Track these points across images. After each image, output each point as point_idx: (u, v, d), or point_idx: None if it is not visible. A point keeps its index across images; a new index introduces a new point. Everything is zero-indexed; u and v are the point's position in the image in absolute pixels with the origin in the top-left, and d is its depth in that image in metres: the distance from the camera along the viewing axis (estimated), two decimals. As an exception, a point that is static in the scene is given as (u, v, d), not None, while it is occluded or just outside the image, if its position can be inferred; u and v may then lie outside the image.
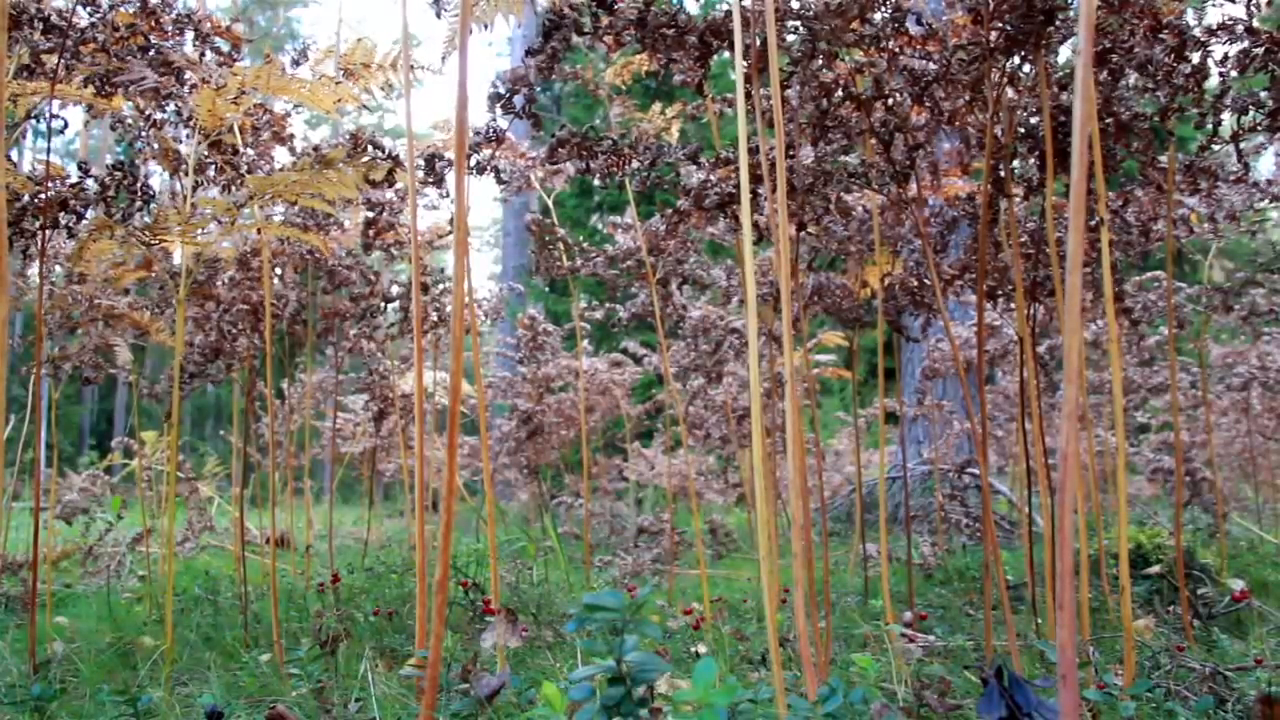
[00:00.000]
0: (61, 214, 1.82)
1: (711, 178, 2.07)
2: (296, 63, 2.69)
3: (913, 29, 2.06)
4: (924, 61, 1.97)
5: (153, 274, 3.04)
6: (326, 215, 2.78)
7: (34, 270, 2.90)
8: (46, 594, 4.00)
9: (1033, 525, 3.20)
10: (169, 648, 2.21)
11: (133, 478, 6.06)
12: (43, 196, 1.82)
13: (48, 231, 2.18)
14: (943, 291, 2.64)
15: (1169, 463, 4.71)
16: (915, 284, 2.87)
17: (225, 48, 2.52)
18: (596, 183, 2.54)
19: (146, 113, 2.10)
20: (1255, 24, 1.85)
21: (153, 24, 2.19)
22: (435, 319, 3.97)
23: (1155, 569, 2.90)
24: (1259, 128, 1.92)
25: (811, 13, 1.73)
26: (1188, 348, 7.11)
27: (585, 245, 3.42)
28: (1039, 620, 2.17)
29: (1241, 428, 5.83)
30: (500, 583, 2.60)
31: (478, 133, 2.11)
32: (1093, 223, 2.83)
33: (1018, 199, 2.39)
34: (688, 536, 5.47)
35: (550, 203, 3.66)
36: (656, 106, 2.90)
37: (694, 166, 2.40)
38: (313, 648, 1.56)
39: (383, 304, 3.90)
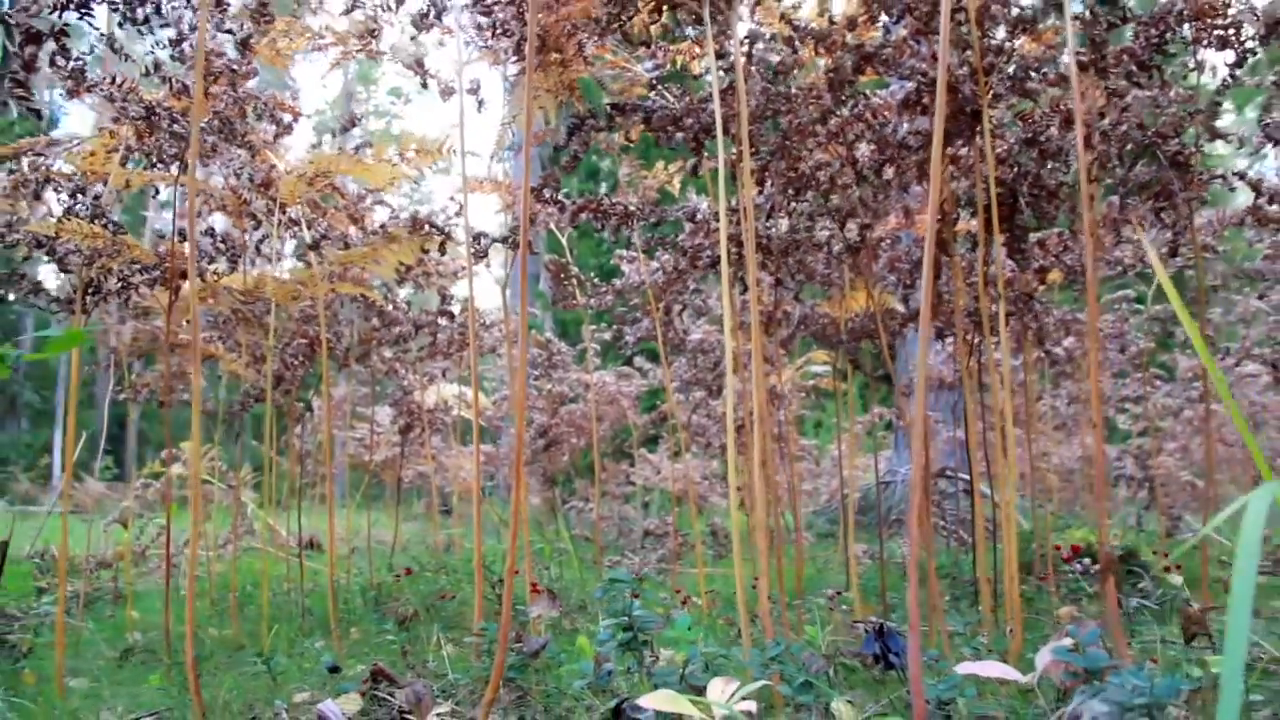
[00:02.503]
0: (182, 280, 2.26)
1: (705, 241, 2.51)
2: (346, 129, 3.14)
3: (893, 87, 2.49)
4: (875, 149, 2.41)
5: (210, 303, 3.49)
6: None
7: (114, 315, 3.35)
8: (113, 592, 4.45)
9: (994, 527, 3.62)
10: (234, 634, 2.64)
11: (179, 484, 6.50)
12: (168, 265, 2.27)
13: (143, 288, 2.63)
14: (902, 325, 3.07)
15: (1130, 468, 5.12)
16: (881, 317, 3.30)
17: (286, 119, 2.97)
18: (608, 235, 2.98)
19: (236, 190, 2.54)
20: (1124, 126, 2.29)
21: (239, 111, 2.63)
22: (460, 342, 4.43)
23: (1091, 564, 3.32)
24: (1139, 201, 2.35)
25: (781, 128, 2.17)
26: (1160, 359, 7.52)
27: (595, 280, 3.86)
28: (979, 607, 2.59)
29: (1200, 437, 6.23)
30: (524, 577, 3.03)
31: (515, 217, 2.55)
32: (1037, 265, 3.27)
33: (964, 253, 2.82)
34: (691, 539, 5.89)
35: (564, 241, 4.09)
36: (660, 165, 3.33)
37: (691, 224, 2.85)
38: (398, 623, 1.99)
39: (414, 330, 4.35)
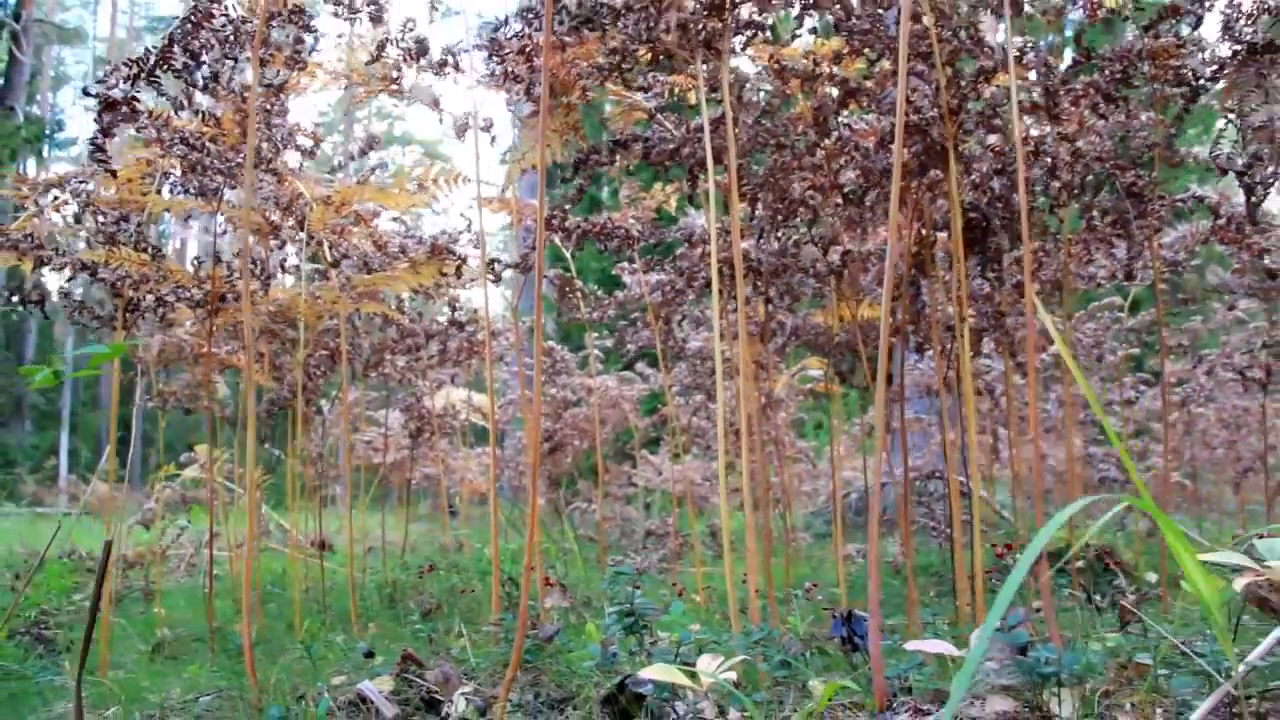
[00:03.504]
0: (221, 301, 2.47)
1: (700, 263, 2.71)
2: (364, 152, 3.34)
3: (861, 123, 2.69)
4: (859, 175, 2.62)
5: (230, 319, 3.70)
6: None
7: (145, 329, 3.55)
8: (144, 590, 4.66)
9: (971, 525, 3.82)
10: (260, 628, 2.84)
11: (190, 486, 6.71)
12: (206, 288, 2.48)
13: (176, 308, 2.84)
14: (892, 334, 3.27)
15: (1115, 473, 5.32)
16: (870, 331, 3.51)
17: (308, 145, 3.18)
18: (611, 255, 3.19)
19: (266, 213, 2.74)
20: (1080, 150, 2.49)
21: (272, 146, 2.84)
22: (469, 350, 4.65)
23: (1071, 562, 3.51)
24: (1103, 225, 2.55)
25: (768, 163, 2.37)
26: (1148, 364, 7.72)
27: (598, 293, 4.06)
28: (957, 601, 2.79)
29: (1188, 440, 6.43)
30: (531, 575, 3.23)
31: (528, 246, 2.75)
32: (1014, 281, 3.47)
33: (943, 274, 3.02)
34: (691, 539, 6.09)
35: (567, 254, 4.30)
36: (658, 185, 3.54)
37: (687, 244, 3.05)
38: (422, 615, 2.19)
39: (425, 340, 4.56)
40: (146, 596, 4.27)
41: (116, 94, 1.69)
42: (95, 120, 1.66)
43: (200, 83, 1.78)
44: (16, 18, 26.15)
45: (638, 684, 1.40)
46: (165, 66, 1.70)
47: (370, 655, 1.89)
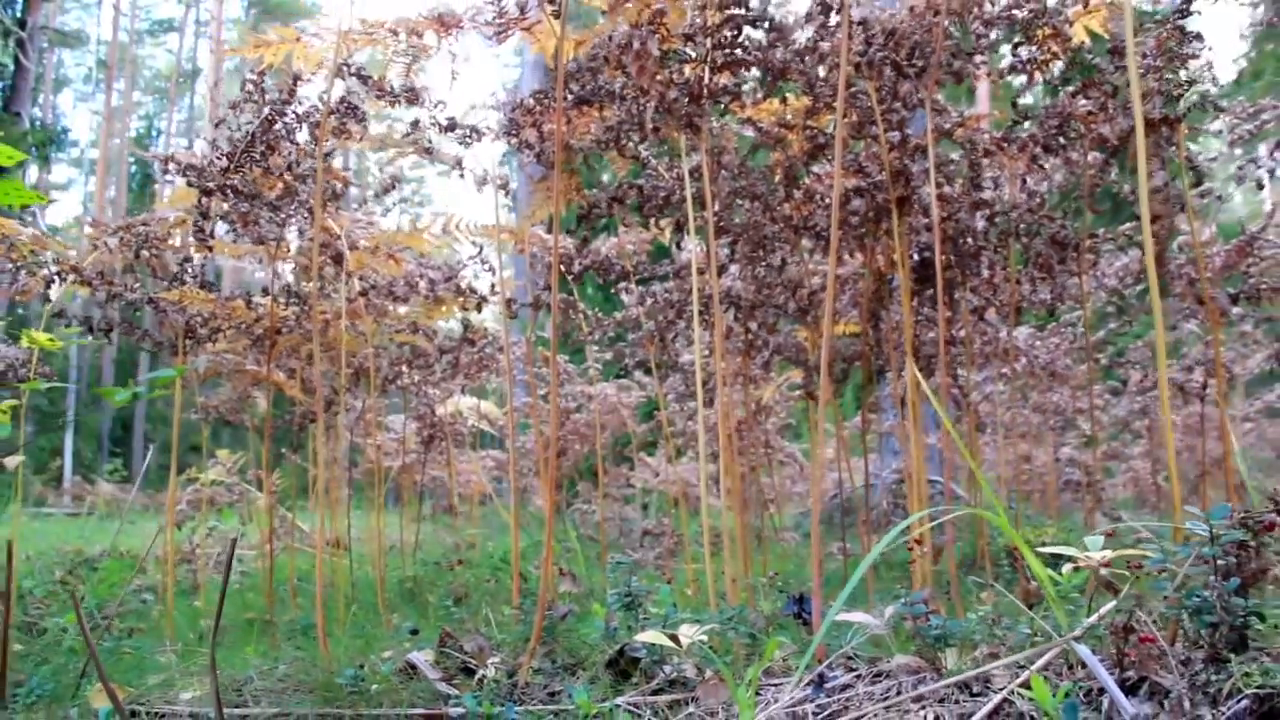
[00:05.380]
0: (278, 335, 2.88)
1: (688, 297, 3.11)
2: (387, 190, 3.74)
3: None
4: (826, 216, 3.02)
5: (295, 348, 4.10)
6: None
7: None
8: (192, 583, 5.07)
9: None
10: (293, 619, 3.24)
11: (214, 487, 7.12)
12: (264, 324, 2.89)
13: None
14: (856, 359, 3.68)
15: (1078, 474, 5.73)
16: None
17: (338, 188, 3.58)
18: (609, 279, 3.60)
19: (309, 254, 3.14)
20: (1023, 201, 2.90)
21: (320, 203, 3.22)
22: (478, 364, 5.06)
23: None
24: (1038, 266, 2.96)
25: (748, 209, 2.78)
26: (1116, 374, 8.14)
27: (599, 314, 4.47)
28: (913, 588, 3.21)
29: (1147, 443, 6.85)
30: (534, 573, 3.64)
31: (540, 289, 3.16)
32: (975, 304, 3.88)
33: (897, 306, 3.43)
34: (686, 538, 6.50)
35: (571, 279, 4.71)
36: (652, 222, 3.94)
37: (676, 279, 3.46)
38: (454, 600, 2.59)
39: (439, 355, 4.96)
40: (193, 590, 4.67)
41: (212, 184, 2.09)
42: (197, 205, 2.06)
43: (273, 166, 2.18)
44: (21, 24, 26.47)
45: (634, 649, 1.81)
46: (248, 158, 2.10)
47: (415, 632, 2.29)
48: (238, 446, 7.41)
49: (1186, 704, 1.19)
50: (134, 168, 31.49)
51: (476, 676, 2.02)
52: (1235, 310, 4.29)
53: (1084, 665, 1.40)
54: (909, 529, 2.27)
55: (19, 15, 26.47)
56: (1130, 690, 1.28)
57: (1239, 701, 1.16)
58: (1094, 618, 1.54)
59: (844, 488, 4.78)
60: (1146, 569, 1.39)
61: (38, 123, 26.85)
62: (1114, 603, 1.50)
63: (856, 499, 8.38)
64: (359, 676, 1.86)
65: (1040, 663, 1.47)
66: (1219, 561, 1.30)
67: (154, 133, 35.02)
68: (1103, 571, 1.49)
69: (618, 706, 1.69)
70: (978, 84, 2.94)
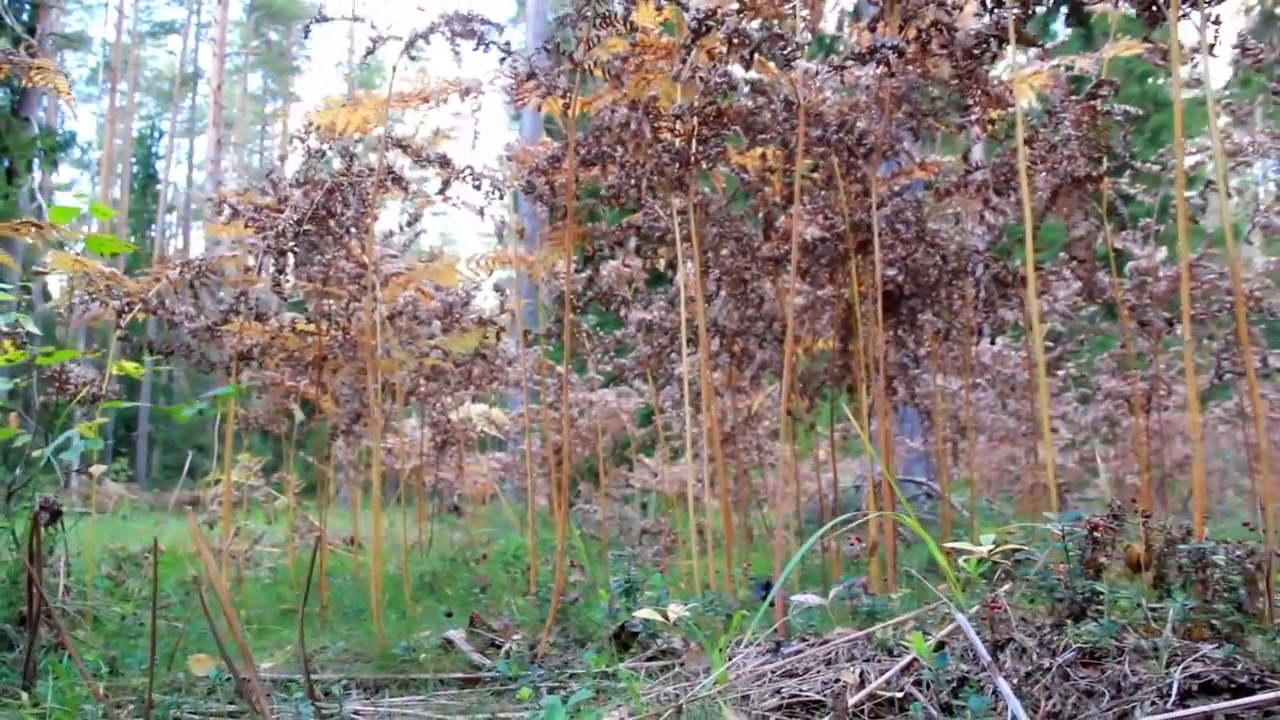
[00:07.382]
0: (324, 360, 3.31)
1: (680, 326, 3.56)
2: (411, 224, 4.18)
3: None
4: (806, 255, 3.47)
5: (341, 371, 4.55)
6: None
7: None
8: (234, 579, 5.52)
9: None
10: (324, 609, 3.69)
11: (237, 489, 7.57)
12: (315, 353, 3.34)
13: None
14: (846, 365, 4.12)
15: (1045, 477, 6.18)
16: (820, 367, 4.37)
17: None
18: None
19: (346, 285, 3.59)
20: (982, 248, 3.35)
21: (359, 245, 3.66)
22: (490, 376, 5.50)
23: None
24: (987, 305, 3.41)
25: (730, 250, 3.23)
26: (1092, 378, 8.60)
27: (600, 333, 4.91)
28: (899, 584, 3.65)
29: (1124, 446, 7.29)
30: (542, 567, 4.09)
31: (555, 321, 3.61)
32: (939, 327, 4.32)
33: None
34: (682, 536, 6.95)
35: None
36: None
37: (669, 307, 3.91)
38: (480, 589, 3.03)
39: (454, 367, 5.41)
40: (237, 582, 5.10)
41: (287, 246, 2.54)
42: (273, 265, 2.50)
43: (332, 228, 2.63)
44: (31, 31, 26.84)
45: (632, 625, 2.25)
46: (312, 221, 2.54)
47: (450, 615, 2.74)
48: (245, 449, 7.85)
49: (1035, 656, 1.63)
50: (135, 168, 31.85)
51: (503, 649, 2.47)
52: (1178, 331, 4.75)
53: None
54: (835, 527, 2.71)
55: (28, 22, 26.86)
56: (999, 647, 1.72)
57: (1069, 653, 1.60)
58: (989, 596, 1.99)
59: (822, 491, 5.22)
60: (1021, 559, 1.84)
61: (47, 128, 27.25)
62: (1007, 586, 1.95)
63: (845, 500, 8.83)
64: (410, 648, 2.30)
65: (914, 620, 1.92)
66: (1068, 553, 1.74)
67: (156, 133, 35.37)
68: (999, 560, 1.94)
69: (620, 669, 2.13)
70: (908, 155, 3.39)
